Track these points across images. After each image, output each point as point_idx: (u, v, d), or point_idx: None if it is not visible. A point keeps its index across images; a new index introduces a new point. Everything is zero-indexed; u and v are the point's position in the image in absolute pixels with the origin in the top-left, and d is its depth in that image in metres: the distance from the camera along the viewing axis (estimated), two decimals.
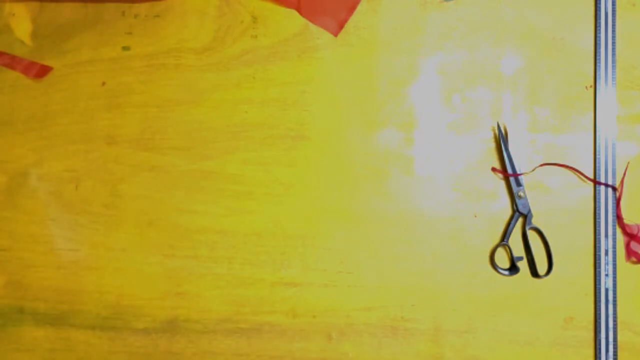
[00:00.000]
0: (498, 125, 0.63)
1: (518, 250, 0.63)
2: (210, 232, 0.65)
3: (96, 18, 0.68)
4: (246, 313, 0.65)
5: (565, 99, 0.64)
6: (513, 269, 0.63)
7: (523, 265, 0.63)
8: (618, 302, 0.62)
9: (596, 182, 0.63)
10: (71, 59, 0.68)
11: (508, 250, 0.63)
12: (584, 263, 0.63)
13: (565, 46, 0.64)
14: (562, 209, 0.63)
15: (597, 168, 0.63)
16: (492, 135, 0.64)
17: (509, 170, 0.63)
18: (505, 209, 0.64)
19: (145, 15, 0.68)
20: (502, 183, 0.64)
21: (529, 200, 0.63)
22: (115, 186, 0.67)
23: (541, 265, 0.63)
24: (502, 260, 0.64)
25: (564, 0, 0.65)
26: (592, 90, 0.64)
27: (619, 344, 0.62)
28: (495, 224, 0.64)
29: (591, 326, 0.62)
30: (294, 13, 0.66)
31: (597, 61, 0.64)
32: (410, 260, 0.64)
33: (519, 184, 0.63)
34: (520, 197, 0.63)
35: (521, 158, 0.64)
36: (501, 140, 0.63)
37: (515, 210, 0.63)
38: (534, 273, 0.63)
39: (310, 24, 0.66)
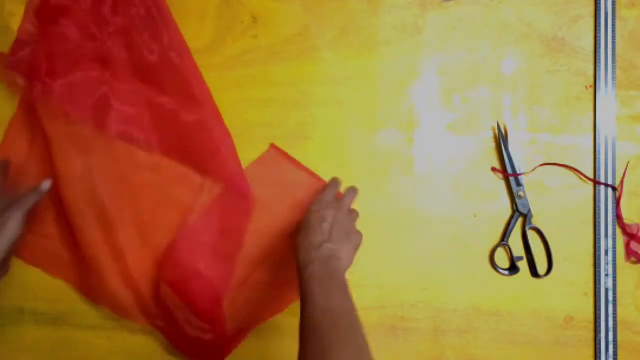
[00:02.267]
0: (498, 125, 0.63)
1: (518, 250, 0.63)
2: None
3: None
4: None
5: (565, 99, 0.64)
6: (513, 269, 0.63)
7: (523, 265, 0.63)
8: (618, 302, 0.62)
9: (596, 182, 0.63)
10: None
11: (508, 250, 0.63)
12: (584, 263, 0.63)
13: (565, 46, 0.64)
14: (562, 209, 0.63)
15: (597, 168, 0.63)
16: (492, 135, 0.64)
17: (509, 170, 0.63)
18: (505, 209, 0.64)
19: None
20: (502, 183, 0.64)
21: (529, 200, 0.63)
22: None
23: (541, 265, 0.63)
24: (502, 260, 0.64)
25: (564, 0, 0.65)
26: (592, 90, 0.64)
27: (619, 344, 0.62)
28: (495, 224, 0.64)
29: (591, 326, 0.62)
30: (294, 13, 0.66)
31: (597, 61, 0.64)
32: (410, 260, 0.64)
33: (519, 184, 0.63)
34: (520, 197, 0.63)
35: (521, 158, 0.64)
36: (501, 140, 0.63)
37: (515, 210, 0.63)
38: (534, 273, 0.63)
39: (310, 23, 0.66)
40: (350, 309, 0.46)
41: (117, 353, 0.65)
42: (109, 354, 0.65)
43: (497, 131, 0.63)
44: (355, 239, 0.55)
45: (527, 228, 0.63)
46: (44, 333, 0.66)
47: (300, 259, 0.50)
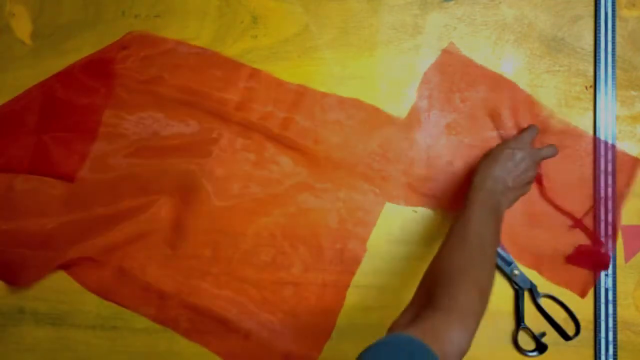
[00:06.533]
0: None
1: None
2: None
3: (96, 18, 0.68)
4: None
5: (565, 99, 0.64)
6: (540, 347, 0.61)
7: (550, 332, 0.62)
8: (618, 302, 0.62)
9: (590, 234, 0.62)
10: (71, 59, 0.68)
11: (529, 332, 0.62)
12: None
13: (565, 46, 0.64)
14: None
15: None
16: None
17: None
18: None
19: (146, 15, 0.68)
20: None
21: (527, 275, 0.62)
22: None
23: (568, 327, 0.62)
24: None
25: (564, 0, 0.65)
26: (592, 90, 0.64)
27: (619, 344, 0.62)
28: None
29: (591, 326, 0.62)
30: (294, 13, 0.66)
31: (597, 61, 0.64)
32: (410, 260, 0.64)
33: (508, 263, 0.62)
34: (515, 275, 0.61)
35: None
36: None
37: (517, 287, 0.62)
38: (566, 337, 0.61)
39: (310, 23, 0.66)
40: (497, 244, 0.53)
41: (117, 353, 0.65)
42: (109, 354, 0.65)
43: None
44: (525, 190, 0.59)
45: (537, 300, 0.61)
46: (44, 333, 0.66)
47: (475, 180, 0.55)
